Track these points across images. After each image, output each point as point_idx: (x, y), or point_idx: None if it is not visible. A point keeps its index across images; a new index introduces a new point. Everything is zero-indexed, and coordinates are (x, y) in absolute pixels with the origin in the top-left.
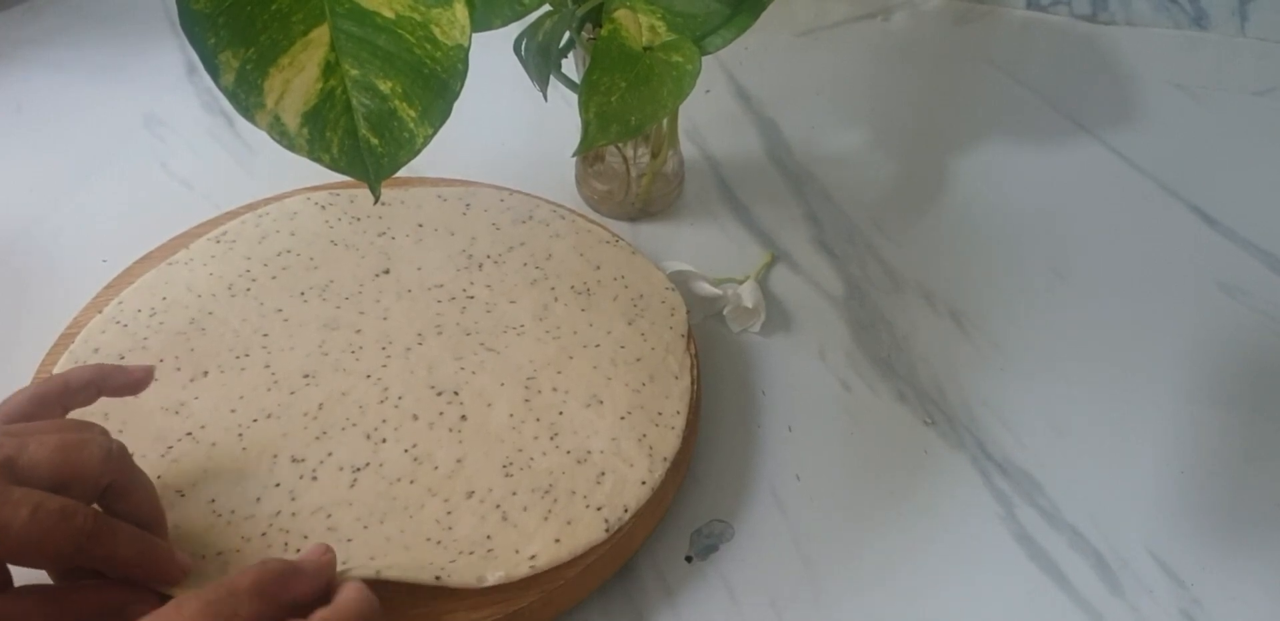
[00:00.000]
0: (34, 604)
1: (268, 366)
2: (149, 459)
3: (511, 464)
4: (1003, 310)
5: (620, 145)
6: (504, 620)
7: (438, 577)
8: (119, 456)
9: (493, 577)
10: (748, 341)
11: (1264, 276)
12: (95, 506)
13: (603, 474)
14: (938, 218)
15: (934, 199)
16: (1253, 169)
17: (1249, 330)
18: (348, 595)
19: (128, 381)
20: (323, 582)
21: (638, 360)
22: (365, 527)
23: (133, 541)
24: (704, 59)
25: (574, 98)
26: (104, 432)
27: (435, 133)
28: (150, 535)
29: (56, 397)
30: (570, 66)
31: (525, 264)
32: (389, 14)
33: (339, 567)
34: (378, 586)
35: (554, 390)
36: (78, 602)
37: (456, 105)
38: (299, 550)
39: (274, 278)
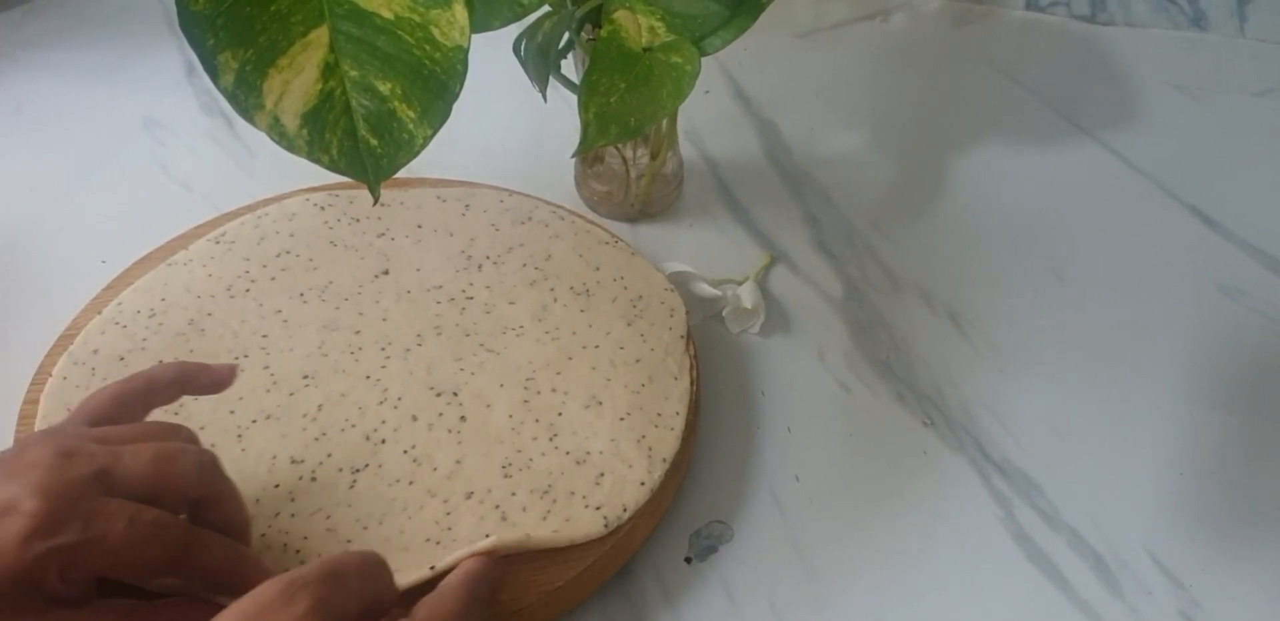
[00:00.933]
0: (115, 619)
1: (267, 367)
2: None
3: (510, 464)
4: (1001, 311)
5: (619, 146)
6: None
7: (433, 567)
8: (211, 468)
9: (484, 542)
10: (747, 342)
11: (1263, 277)
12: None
13: (602, 474)
14: (936, 219)
15: (933, 200)
16: (1252, 170)
17: (1248, 331)
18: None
19: (213, 380)
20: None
21: (637, 361)
22: (365, 529)
23: (224, 551)
24: (703, 60)
25: (573, 99)
26: (194, 439)
27: (435, 134)
28: (239, 545)
29: (140, 397)
30: (570, 67)
31: (524, 265)
32: (388, 15)
33: None
34: None
35: (553, 391)
36: (158, 619)
37: (456, 106)
38: (298, 551)
39: (273, 279)
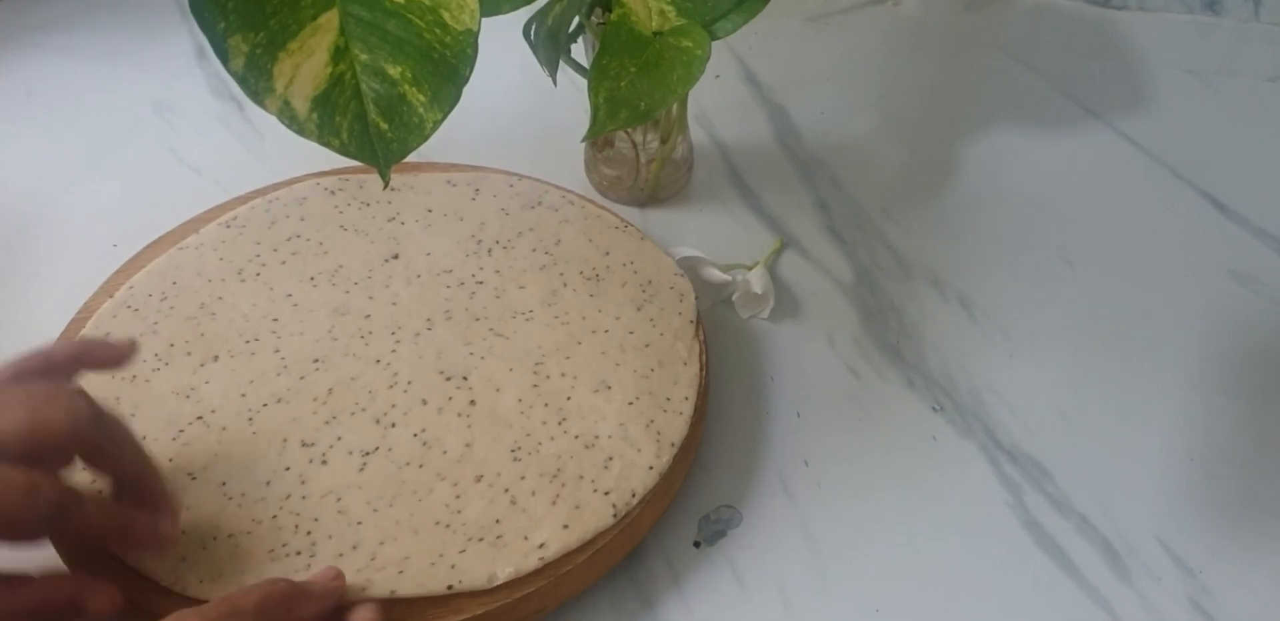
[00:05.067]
0: None
1: (277, 351)
2: (160, 442)
3: (520, 448)
4: (1012, 297)
5: (629, 131)
6: (512, 605)
7: (450, 587)
8: (86, 420)
9: (503, 575)
10: (756, 327)
11: (1275, 264)
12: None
13: (610, 459)
14: (947, 204)
15: (943, 185)
16: (1265, 155)
17: (1260, 317)
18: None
19: (111, 356)
20: (329, 607)
21: (646, 346)
22: (375, 511)
23: (102, 512)
24: (713, 44)
25: (583, 83)
26: (79, 394)
27: (444, 117)
28: (121, 507)
29: (39, 374)
30: (579, 51)
31: (534, 249)
32: None
33: (357, 587)
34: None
35: (562, 375)
36: (31, 591)
37: (465, 90)
38: (309, 532)
39: (283, 262)
